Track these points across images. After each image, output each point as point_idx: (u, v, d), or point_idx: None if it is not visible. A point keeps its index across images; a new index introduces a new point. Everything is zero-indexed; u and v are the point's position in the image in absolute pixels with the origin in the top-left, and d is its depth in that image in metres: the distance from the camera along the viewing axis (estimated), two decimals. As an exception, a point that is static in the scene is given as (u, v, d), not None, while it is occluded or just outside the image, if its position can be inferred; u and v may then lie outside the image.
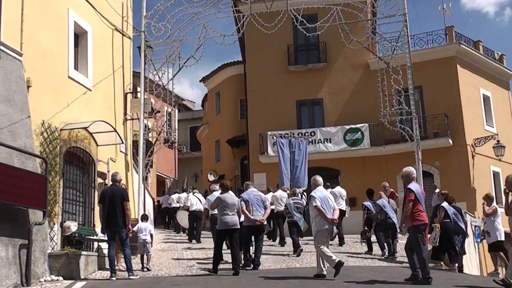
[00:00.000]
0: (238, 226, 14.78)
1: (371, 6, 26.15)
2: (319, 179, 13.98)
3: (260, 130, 32.46)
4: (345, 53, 30.45)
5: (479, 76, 33.01)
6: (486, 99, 33.29)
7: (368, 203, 19.28)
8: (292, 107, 33.35)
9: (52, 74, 16.79)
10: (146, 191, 24.45)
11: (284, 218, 20.10)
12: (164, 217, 33.42)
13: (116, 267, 14.77)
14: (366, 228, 18.74)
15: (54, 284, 13.05)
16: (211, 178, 38.10)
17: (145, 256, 16.25)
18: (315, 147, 30.92)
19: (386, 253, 18.06)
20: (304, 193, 21.05)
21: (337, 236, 20.46)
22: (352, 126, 30.66)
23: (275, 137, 24.58)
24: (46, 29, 16.73)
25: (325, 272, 13.02)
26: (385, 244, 18.19)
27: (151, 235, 16.84)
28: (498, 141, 30.79)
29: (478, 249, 23.21)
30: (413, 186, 12.33)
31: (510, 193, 11.71)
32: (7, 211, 12.60)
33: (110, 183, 15.68)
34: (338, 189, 21.49)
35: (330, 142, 30.85)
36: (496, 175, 31.96)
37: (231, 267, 14.36)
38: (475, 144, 30.45)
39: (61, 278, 13.63)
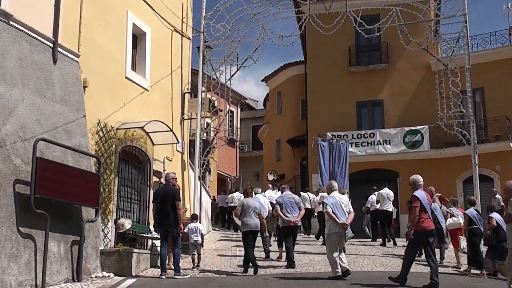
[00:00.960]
0: (259, 228, 15.60)
1: (432, 6, 25.77)
2: (335, 184, 14.76)
3: (319, 131, 32.35)
4: (407, 54, 30.05)
5: (543, 78, 32.15)
6: (549, 101, 32.42)
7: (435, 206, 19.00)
8: (352, 108, 33.20)
9: (109, 75, 17.16)
10: (204, 189, 24.71)
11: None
12: (223, 216, 33.61)
13: (167, 266, 15.02)
14: None
15: (104, 280, 13.37)
16: (271, 177, 38.28)
17: (196, 256, 16.44)
18: (374, 148, 30.73)
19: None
20: (347, 192, 20.77)
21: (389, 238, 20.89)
22: (412, 128, 30.30)
23: (317, 139, 24.68)
24: (104, 31, 17.10)
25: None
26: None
27: (202, 235, 17.01)
28: (562, 144, 29.98)
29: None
30: (419, 193, 12.58)
31: (509, 200, 11.57)
32: (61, 209, 12.96)
33: (164, 182, 15.91)
34: (386, 190, 22.36)
35: (389, 144, 30.56)
36: (559, 179, 31.07)
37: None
38: (537, 148, 29.72)
39: (112, 274, 13.97)
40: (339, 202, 14.00)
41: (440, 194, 20.25)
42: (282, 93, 42.09)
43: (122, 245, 15.63)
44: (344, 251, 14.35)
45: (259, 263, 15.89)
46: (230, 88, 24.84)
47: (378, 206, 22.39)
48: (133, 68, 18.94)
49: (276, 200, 17.36)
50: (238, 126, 51.10)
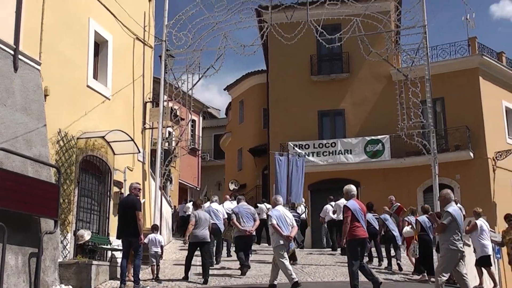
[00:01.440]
0: (209, 240, 16.29)
1: (392, 17, 26.03)
2: (279, 198, 14.96)
3: (281, 140, 32.45)
4: (368, 63, 30.27)
5: (502, 88, 32.65)
6: (508, 111, 32.91)
7: (368, 216, 18.86)
8: (314, 117, 33.35)
9: (71, 83, 16.96)
10: (164, 199, 24.54)
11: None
12: (183, 226, 33.34)
13: (127, 278, 14.86)
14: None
15: (63, 293, 13.18)
16: (232, 187, 38.19)
17: (155, 267, 16.28)
18: (335, 158, 30.92)
19: (384, 264, 18.69)
20: (303, 205, 23.03)
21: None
22: (373, 137, 30.56)
23: (274, 153, 25.67)
24: (66, 38, 16.90)
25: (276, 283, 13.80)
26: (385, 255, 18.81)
27: (162, 247, 16.89)
28: (520, 154, 30.48)
29: (498, 265, 22.99)
30: (350, 203, 13.02)
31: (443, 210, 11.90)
32: (19, 220, 12.75)
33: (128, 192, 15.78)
34: (343, 201, 21.49)
35: (351, 153, 30.76)
36: (518, 189, 31.63)
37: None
38: (496, 157, 30.14)
39: (71, 287, 13.76)
40: (284, 215, 14.18)
41: (399, 204, 20.49)
42: (244, 102, 42.07)
43: (81, 256, 15.42)
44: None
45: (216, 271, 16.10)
46: (192, 97, 24.74)
47: (334, 216, 22.34)
48: (95, 76, 18.74)
49: (232, 210, 17.95)
50: (200, 135, 50.92)
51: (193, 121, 47.38)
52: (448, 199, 12.01)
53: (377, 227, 18.70)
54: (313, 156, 31.27)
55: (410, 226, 17.92)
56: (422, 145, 22.16)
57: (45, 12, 15.75)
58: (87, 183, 17.57)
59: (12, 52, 14.16)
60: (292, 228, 14.15)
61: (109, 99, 19.12)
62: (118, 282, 14.45)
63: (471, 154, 29.39)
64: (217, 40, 24.06)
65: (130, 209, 14.53)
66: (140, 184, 15.87)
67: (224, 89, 45.14)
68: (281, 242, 13.76)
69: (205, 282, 15.19)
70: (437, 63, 30.40)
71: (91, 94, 18.10)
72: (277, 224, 13.87)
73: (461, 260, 11.50)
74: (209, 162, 52.73)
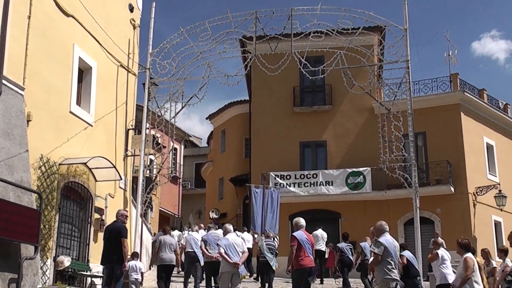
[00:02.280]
0: (174, 263, 17.87)
1: (376, 51, 26.26)
2: (229, 227, 15.95)
3: (262, 170, 32.49)
4: (351, 96, 30.50)
5: (483, 125, 33.02)
6: (489, 147, 33.26)
7: (342, 245, 21.18)
8: (295, 148, 33.46)
9: (54, 109, 16.92)
10: (145, 227, 24.45)
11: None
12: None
13: (106, 305, 14.74)
14: (338, 268, 21.02)
15: (42, 319, 13.03)
16: (212, 215, 38.09)
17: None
18: (316, 189, 30.96)
19: None
20: (277, 237, 24.04)
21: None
22: (354, 169, 30.68)
23: (250, 186, 27.98)
24: (50, 64, 16.89)
25: None
26: (363, 281, 19.89)
27: (142, 274, 16.82)
28: (500, 190, 30.70)
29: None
30: (297, 233, 13.67)
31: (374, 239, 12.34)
32: (-1, 245, 12.64)
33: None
34: (320, 231, 23.83)
35: (332, 184, 30.83)
36: (497, 224, 31.82)
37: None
38: (477, 192, 30.37)
39: (49, 314, 13.63)
40: (233, 243, 14.94)
41: None
42: (226, 132, 42.16)
43: (61, 283, 15.32)
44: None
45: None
46: (174, 126, 24.75)
47: None
48: (78, 102, 18.71)
49: (201, 237, 18.55)
50: (181, 163, 50.87)
51: (175, 149, 47.31)
52: (382, 230, 12.27)
53: (351, 257, 19.98)
54: (294, 186, 31.32)
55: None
56: (404, 178, 22.26)
57: (30, 38, 15.75)
58: (68, 209, 17.49)
59: (-4, 77, 14.12)
60: (242, 254, 14.97)
61: (91, 126, 19.09)
62: (97, 309, 14.33)
63: (452, 189, 29.57)
64: (201, 70, 24.17)
65: (115, 235, 14.49)
66: (127, 211, 15.88)
67: (206, 118, 45.28)
68: (228, 269, 14.59)
69: None
70: (419, 97, 30.73)
71: (74, 121, 18.06)
72: (225, 252, 14.62)
73: None
74: (190, 191, 52.64)
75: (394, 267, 11.75)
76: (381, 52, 24.82)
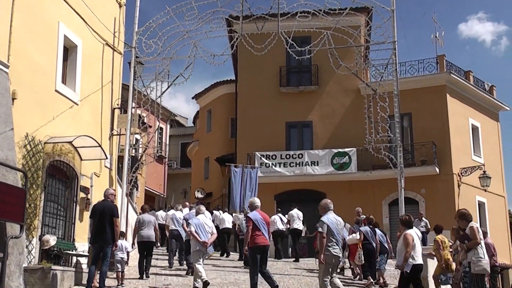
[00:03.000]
0: (153, 239, 18.53)
1: (363, 32, 26.24)
2: (202, 208, 16.82)
3: (248, 150, 32.55)
4: (337, 77, 30.52)
5: (469, 106, 33.21)
6: (474, 129, 33.46)
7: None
8: (281, 129, 33.52)
9: (39, 87, 16.78)
10: (131, 206, 24.43)
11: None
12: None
13: (92, 284, 14.74)
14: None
15: (27, 298, 13.01)
16: (198, 195, 38.12)
17: (120, 273, 16.18)
18: (302, 169, 31.04)
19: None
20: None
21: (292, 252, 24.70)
22: (340, 150, 30.79)
23: (230, 165, 28.97)
24: (35, 42, 16.72)
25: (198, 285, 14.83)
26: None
27: (128, 253, 16.82)
28: (484, 171, 30.91)
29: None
30: (252, 214, 14.31)
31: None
32: (-16, 224, 12.59)
33: (103, 198, 15.64)
34: (296, 211, 24.54)
35: (318, 165, 30.95)
36: (481, 205, 32.09)
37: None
38: (461, 173, 30.59)
39: (35, 292, 13.60)
40: (203, 223, 15.67)
41: (365, 217, 20.72)
42: (212, 111, 42.09)
43: (46, 262, 15.25)
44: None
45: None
46: (160, 105, 24.66)
47: (281, 227, 23.68)
48: (63, 81, 18.54)
49: (184, 216, 19.48)
50: (167, 143, 50.78)
51: (161, 128, 47.23)
52: (327, 208, 13.09)
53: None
54: (280, 166, 31.41)
55: (354, 234, 18.97)
56: (389, 159, 22.34)
57: (14, 15, 15.53)
58: (54, 188, 17.39)
59: (-20, 55, 14.02)
60: (211, 235, 15.65)
61: (77, 105, 18.95)
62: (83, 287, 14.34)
63: (437, 170, 29.76)
64: (187, 49, 24.08)
65: (107, 215, 14.54)
66: (115, 190, 15.89)
67: (192, 98, 45.17)
68: (198, 248, 15.24)
69: (147, 276, 17.90)
70: (406, 79, 30.82)
71: (59, 99, 17.91)
72: (195, 231, 15.33)
73: (330, 268, 12.64)
74: (175, 170, 52.60)
75: (335, 244, 12.62)
76: (368, 33, 24.82)
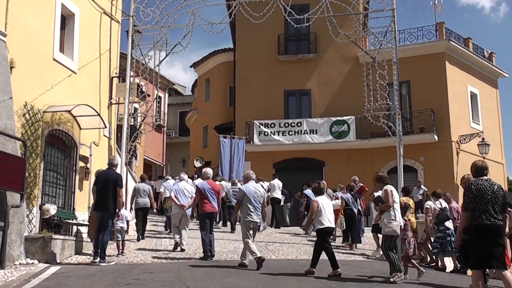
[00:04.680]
0: (148, 206, 20.11)
1: (361, 0, 26.07)
2: (183, 176, 18.66)
3: (247, 118, 32.57)
4: (335, 45, 30.38)
5: (468, 74, 33.13)
6: (473, 96, 33.43)
7: (308, 191, 22.57)
8: (279, 97, 33.48)
9: (37, 56, 16.75)
10: (130, 175, 24.48)
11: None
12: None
13: (92, 252, 14.82)
14: (305, 213, 21.74)
15: (28, 267, 13.08)
16: (197, 164, 38.14)
17: (120, 242, 16.26)
18: (300, 137, 31.06)
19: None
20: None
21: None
22: (339, 118, 30.78)
23: (219, 136, 30.08)
24: (33, 10, 16.66)
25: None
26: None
27: (127, 222, 16.88)
28: (483, 139, 30.95)
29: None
30: (200, 184, 15.97)
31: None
32: (-16, 193, 12.64)
33: (107, 166, 15.63)
34: (276, 181, 25.77)
35: (316, 133, 30.97)
36: (480, 172, 32.08)
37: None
38: (460, 141, 30.62)
39: (36, 261, 13.67)
40: (182, 189, 17.35)
41: (362, 185, 20.91)
42: (211, 80, 41.99)
43: (47, 231, 15.34)
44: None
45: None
46: (158, 74, 24.58)
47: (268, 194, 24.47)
48: (61, 50, 18.51)
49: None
50: (166, 111, 50.73)
51: (159, 97, 47.13)
52: (248, 178, 14.44)
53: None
54: (278, 135, 31.45)
55: (335, 200, 20.07)
56: (388, 127, 22.31)
57: (11, -17, 15.49)
58: (53, 157, 17.43)
59: (-23, 23, 13.95)
60: (191, 199, 16.98)
61: (75, 73, 18.93)
62: (83, 257, 14.40)
63: (436, 137, 29.78)
64: (184, 17, 23.85)
65: (111, 183, 14.55)
66: (117, 160, 16.00)
67: (191, 66, 45.00)
68: (177, 211, 17.09)
69: (142, 238, 19.55)
70: (405, 46, 30.69)
71: (57, 68, 17.89)
72: (175, 196, 17.18)
73: (250, 231, 13.82)
74: (174, 139, 52.57)
75: (253, 210, 13.82)
76: (367, 0, 24.66)
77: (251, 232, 13.86)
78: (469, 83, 33.14)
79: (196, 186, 16.26)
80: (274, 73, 33.53)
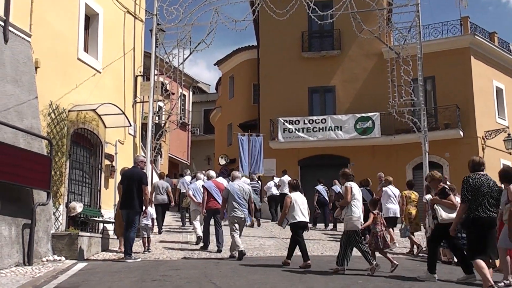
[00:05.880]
0: (166, 202, 21.15)
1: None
2: (200, 175, 19.70)
3: (271, 116, 32.57)
4: (359, 41, 30.30)
5: (493, 68, 32.77)
6: (499, 91, 33.09)
7: (319, 187, 24.17)
8: (304, 94, 33.41)
9: (61, 56, 16.89)
10: (155, 173, 24.62)
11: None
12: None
13: (118, 249, 14.94)
14: (317, 207, 23.71)
15: (56, 264, 13.21)
16: (222, 162, 38.29)
17: (146, 239, 16.35)
18: (325, 134, 30.99)
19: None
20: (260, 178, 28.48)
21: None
22: (363, 114, 30.63)
23: (237, 134, 31.57)
24: (57, 11, 16.80)
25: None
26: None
27: (152, 219, 17.00)
28: (509, 134, 30.59)
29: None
30: (207, 184, 17.24)
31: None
32: (12, 191, 12.78)
33: (132, 165, 15.77)
34: (286, 177, 25.38)
35: (341, 130, 30.85)
36: (506, 168, 31.80)
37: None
38: (485, 136, 30.33)
39: (63, 258, 13.80)
40: (199, 187, 18.11)
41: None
42: (235, 77, 42.00)
43: (73, 228, 15.48)
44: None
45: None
46: (182, 72, 24.69)
47: (275, 192, 25.66)
48: (85, 49, 18.66)
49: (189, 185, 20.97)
50: (190, 109, 50.89)
51: (183, 95, 47.28)
52: (234, 177, 16.03)
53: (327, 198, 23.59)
54: (303, 132, 31.39)
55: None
56: (413, 122, 22.25)
57: (36, -16, 15.62)
58: (78, 155, 17.58)
59: (2, 24, 14.08)
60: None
61: (99, 72, 19.07)
62: (110, 253, 14.52)
63: (461, 133, 29.53)
64: (208, 15, 23.99)
65: (135, 182, 14.64)
66: (145, 157, 16.13)
67: (215, 64, 45.04)
68: (195, 208, 18.31)
69: (159, 232, 20.47)
70: (429, 42, 30.43)
71: (81, 67, 18.04)
72: (193, 194, 18.34)
73: (235, 225, 15.18)
74: (198, 137, 52.72)
75: (237, 207, 15.22)
76: (390, -4, 24.55)
77: (236, 226, 15.22)
78: (494, 78, 32.82)
79: (203, 185, 17.43)
80: (298, 70, 33.48)
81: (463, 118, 29.90)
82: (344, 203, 12.75)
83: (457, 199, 13.23)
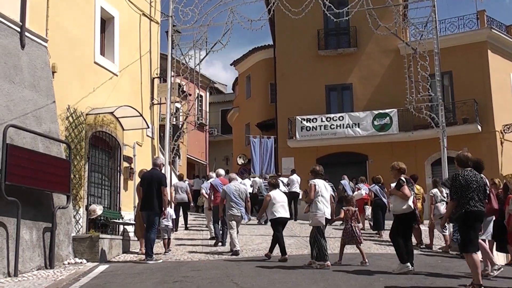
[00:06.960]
0: (186, 201, 22.13)
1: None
2: (212, 174, 20.48)
3: (289, 115, 32.59)
4: (376, 37, 30.26)
5: (511, 62, 32.52)
6: (517, 85, 32.86)
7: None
8: (321, 92, 33.40)
9: (78, 60, 16.98)
10: (174, 174, 24.68)
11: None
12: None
13: (139, 251, 15.00)
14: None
15: (77, 266, 13.30)
16: (240, 161, 38.35)
17: (167, 240, 16.40)
18: (343, 132, 30.93)
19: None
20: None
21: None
22: (381, 111, 30.55)
23: (250, 136, 33.52)
24: (72, 15, 16.88)
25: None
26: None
27: (173, 220, 17.08)
28: (527, 128, 30.42)
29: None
30: (213, 181, 18.46)
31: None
32: (32, 195, 12.86)
33: (151, 167, 15.85)
34: (295, 176, 26.50)
35: (359, 127, 30.79)
36: (525, 161, 31.61)
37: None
38: (504, 130, 30.12)
39: (84, 261, 13.90)
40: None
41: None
42: (251, 77, 42.01)
43: (94, 231, 15.56)
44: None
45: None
46: (199, 73, 24.72)
47: (285, 189, 24.87)
48: (102, 52, 18.74)
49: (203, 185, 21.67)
50: (207, 110, 50.98)
51: (200, 96, 47.40)
52: (230, 179, 16.82)
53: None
54: (321, 129, 31.36)
55: (359, 191, 22.54)
56: (431, 118, 22.14)
57: (51, -11, 15.70)
58: (97, 158, 17.67)
59: (18, 29, 14.14)
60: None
61: (116, 75, 19.15)
62: (131, 255, 14.58)
63: (479, 127, 29.36)
64: (223, 15, 23.96)
65: (155, 183, 14.70)
66: (163, 159, 16.25)
67: (231, 64, 45.10)
68: (206, 205, 19.90)
69: (186, 228, 22.25)
70: (446, 36, 30.29)
71: (98, 71, 18.13)
72: (206, 193, 19.36)
73: (232, 222, 15.97)
74: (216, 137, 52.85)
75: (234, 206, 15.99)
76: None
77: (234, 223, 16.03)
78: (512, 71, 32.62)
79: (210, 183, 18.55)
80: (314, 68, 33.46)
81: (481, 113, 29.74)
82: (308, 200, 13.41)
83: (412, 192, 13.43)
